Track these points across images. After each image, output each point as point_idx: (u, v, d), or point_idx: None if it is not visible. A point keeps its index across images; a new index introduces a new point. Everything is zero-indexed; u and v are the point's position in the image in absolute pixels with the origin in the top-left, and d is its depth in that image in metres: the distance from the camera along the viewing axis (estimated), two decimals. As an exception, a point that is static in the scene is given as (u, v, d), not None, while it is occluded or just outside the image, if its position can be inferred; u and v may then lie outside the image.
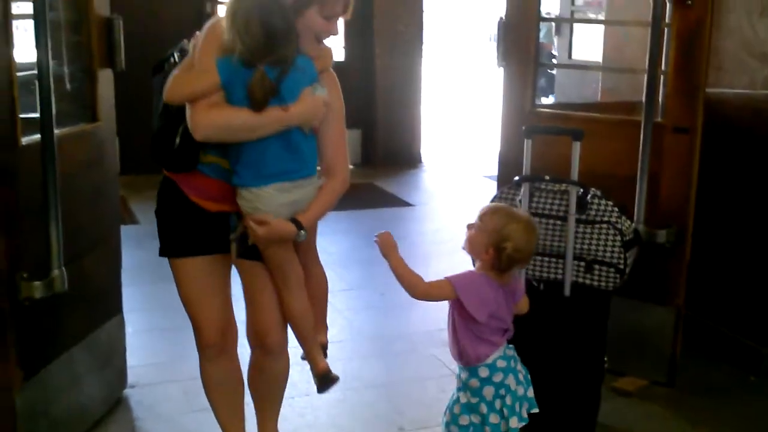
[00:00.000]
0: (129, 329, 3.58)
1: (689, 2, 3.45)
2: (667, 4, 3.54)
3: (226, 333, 2.74)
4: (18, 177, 2.69)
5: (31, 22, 2.67)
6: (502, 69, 4.08)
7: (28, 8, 2.66)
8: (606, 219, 3.11)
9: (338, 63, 8.44)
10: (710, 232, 3.87)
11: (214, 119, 2.36)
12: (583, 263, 3.10)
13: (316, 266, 2.77)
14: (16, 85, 2.65)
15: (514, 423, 2.58)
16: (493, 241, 2.50)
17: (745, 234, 3.89)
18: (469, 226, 2.59)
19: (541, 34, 10.67)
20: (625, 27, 5.19)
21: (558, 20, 9.60)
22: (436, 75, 15.69)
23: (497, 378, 2.58)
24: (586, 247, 3.10)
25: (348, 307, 4.61)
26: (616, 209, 3.14)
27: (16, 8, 2.69)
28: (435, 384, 3.69)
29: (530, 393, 2.66)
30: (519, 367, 2.65)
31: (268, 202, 2.43)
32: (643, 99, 3.52)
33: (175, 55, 2.58)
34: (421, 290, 2.54)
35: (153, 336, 4.06)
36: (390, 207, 7.11)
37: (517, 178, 3.21)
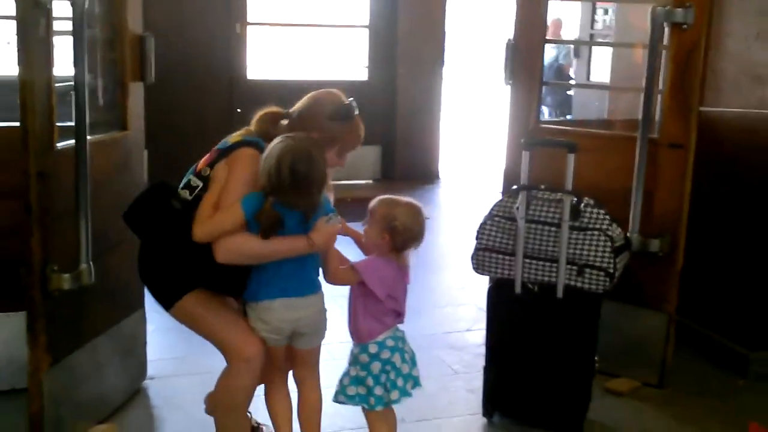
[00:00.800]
0: (150, 327, 3.81)
1: (685, 26, 3.65)
2: (665, 29, 3.75)
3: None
4: (52, 178, 2.94)
5: (65, 38, 2.94)
6: (509, 87, 4.30)
7: (66, 25, 2.94)
8: (598, 226, 3.32)
9: (361, 82, 8.77)
10: (702, 241, 4.06)
11: (232, 248, 2.63)
12: (575, 267, 3.30)
13: (314, 391, 2.98)
14: (54, 96, 2.91)
15: (395, 396, 2.89)
16: (384, 225, 2.82)
17: (734, 243, 4.08)
18: (364, 223, 2.91)
19: (561, 55, 10.94)
20: (632, 49, 5.39)
21: (564, 42, 9.82)
22: (455, 93, 15.88)
23: (384, 355, 2.87)
24: (578, 252, 3.30)
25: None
26: (608, 217, 3.34)
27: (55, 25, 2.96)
28: (436, 381, 3.89)
29: (415, 372, 2.96)
30: (406, 347, 2.96)
31: (272, 317, 2.73)
32: (640, 116, 3.73)
33: (188, 195, 2.78)
34: (331, 275, 2.82)
35: (172, 334, 4.24)
36: (406, 220, 7.30)
37: (515, 187, 3.42)
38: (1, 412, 3.47)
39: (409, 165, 8.84)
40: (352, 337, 2.94)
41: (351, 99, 2.92)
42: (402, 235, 2.84)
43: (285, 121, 2.90)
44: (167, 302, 2.81)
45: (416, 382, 2.97)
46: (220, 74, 8.29)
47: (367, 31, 8.80)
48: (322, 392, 2.98)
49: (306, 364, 2.93)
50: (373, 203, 2.91)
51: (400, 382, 2.90)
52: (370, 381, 2.87)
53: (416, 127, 8.83)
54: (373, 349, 2.88)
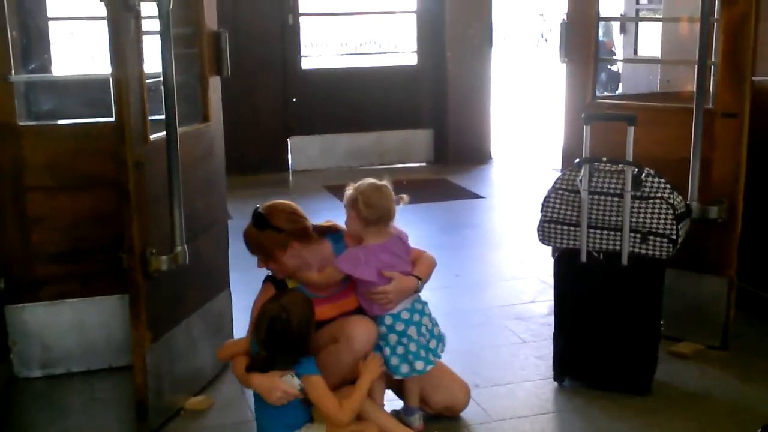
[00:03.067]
0: (235, 306, 4.03)
1: (734, -1, 3.77)
2: (715, 2, 3.86)
3: None
4: (147, 168, 3.16)
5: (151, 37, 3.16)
6: (564, 65, 4.45)
7: (151, 25, 3.15)
8: (659, 195, 3.46)
9: (411, 67, 8.94)
10: (759, 207, 4.17)
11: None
12: (638, 235, 3.45)
13: None
14: (146, 92, 3.14)
15: (420, 366, 3.10)
16: (350, 206, 3.09)
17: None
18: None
19: (600, 33, 10.99)
20: (680, 23, 5.49)
21: (616, 19, 9.87)
22: (505, 74, 15.96)
23: (399, 327, 3.09)
24: (641, 220, 3.44)
25: (425, 288, 5.00)
26: (668, 186, 3.48)
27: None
28: (507, 350, 4.08)
29: (432, 345, 3.17)
30: (425, 320, 3.16)
31: None
32: (695, 88, 3.85)
33: None
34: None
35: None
36: (462, 199, 7.49)
37: (577, 160, 3.57)
38: (101, 387, 3.73)
39: (462, 147, 8.98)
40: (368, 313, 3.16)
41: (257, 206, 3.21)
42: (367, 207, 3.07)
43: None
44: None
45: (435, 353, 3.19)
46: (275, 65, 8.52)
47: (414, 16, 8.96)
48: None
49: None
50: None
51: (422, 353, 3.13)
52: (387, 351, 3.10)
53: (467, 109, 8.97)
54: (388, 321, 3.11)
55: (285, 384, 2.86)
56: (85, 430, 3.38)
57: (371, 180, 3.17)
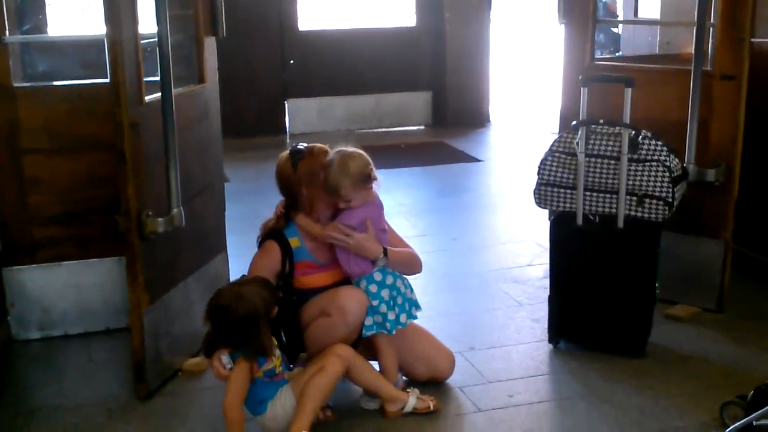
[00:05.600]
0: (232, 268, 4.04)
1: (735, -41, 3.73)
2: (714, -38, 3.83)
3: None
4: (142, 129, 3.15)
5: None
6: (563, 26, 4.42)
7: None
8: (656, 158, 3.45)
9: (409, 29, 8.87)
10: (756, 170, 4.16)
11: None
12: (635, 198, 3.44)
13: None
14: (141, 53, 3.11)
15: (404, 319, 3.16)
16: (366, 181, 3.13)
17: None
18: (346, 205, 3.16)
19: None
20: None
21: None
22: (503, 36, 15.86)
23: (389, 281, 3.14)
24: (637, 183, 3.43)
25: (421, 251, 4.90)
26: (665, 148, 3.47)
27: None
28: (503, 313, 4.10)
29: (414, 296, 3.23)
30: (399, 283, 3.18)
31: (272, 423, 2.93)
32: (693, 49, 3.83)
33: None
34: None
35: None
36: (459, 162, 7.48)
37: (574, 122, 3.56)
38: (98, 349, 3.75)
39: (460, 109, 8.96)
40: (356, 277, 3.17)
41: (294, 144, 3.22)
42: (372, 170, 3.14)
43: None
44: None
45: (416, 306, 3.25)
46: (271, 26, 8.46)
47: (413, -24, 8.89)
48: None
49: None
50: (335, 192, 3.10)
51: (407, 306, 3.19)
52: (383, 308, 3.11)
53: (465, 72, 8.93)
54: (377, 276, 3.13)
55: (217, 361, 2.86)
56: (83, 391, 3.40)
57: (343, 154, 3.14)
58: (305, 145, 3.19)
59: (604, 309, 3.61)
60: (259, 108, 8.49)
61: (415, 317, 3.26)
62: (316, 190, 3.11)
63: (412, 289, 3.25)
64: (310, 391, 2.88)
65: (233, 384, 2.82)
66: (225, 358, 2.84)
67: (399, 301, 3.15)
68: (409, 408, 3.13)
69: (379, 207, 3.22)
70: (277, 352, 2.92)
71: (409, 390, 3.16)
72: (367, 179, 3.11)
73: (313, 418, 2.88)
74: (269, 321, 2.87)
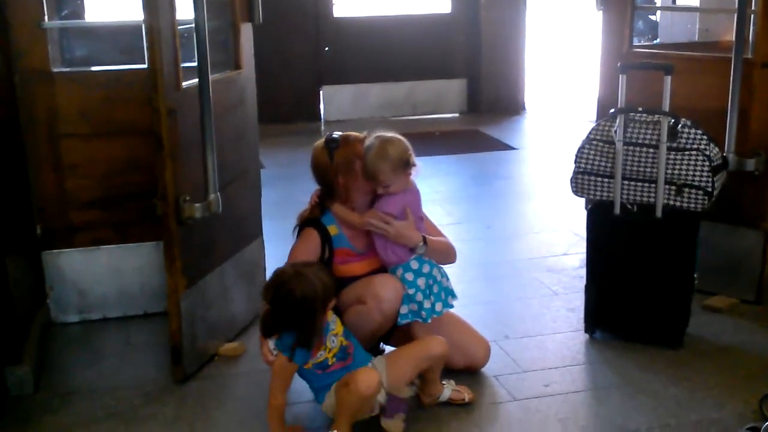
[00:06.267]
0: (268, 255, 4.05)
1: (776, -55, 3.66)
2: (756, -52, 3.76)
3: None
4: (180, 115, 3.16)
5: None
6: (600, 13, 4.37)
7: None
8: (695, 146, 3.41)
9: (444, 15, 8.83)
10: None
11: None
12: (674, 187, 3.41)
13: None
14: (178, 39, 3.13)
15: (439, 308, 3.14)
16: (405, 166, 3.10)
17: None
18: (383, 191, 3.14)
19: (645, -19, 10.75)
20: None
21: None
22: (539, 22, 15.74)
23: (426, 269, 3.11)
24: (676, 172, 3.40)
25: (456, 239, 4.90)
26: (705, 137, 3.43)
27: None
28: (537, 302, 4.08)
29: (450, 285, 3.21)
30: (435, 272, 3.16)
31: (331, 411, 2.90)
32: (734, 37, 3.77)
33: None
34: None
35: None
36: (494, 150, 7.44)
37: (612, 110, 3.52)
38: (136, 333, 3.79)
39: (495, 97, 8.91)
40: (392, 265, 3.15)
41: (329, 133, 3.18)
42: (412, 156, 3.12)
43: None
44: None
45: (453, 294, 3.23)
46: (307, 13, 8.47)
47: (448, -37, 8.84)
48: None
49: None
50: (374, 176, 3.09)
51: (443, 295, 3.17)
52: (419, 296, 3.10)
53: (501, 59, 8.87)
54: (414, 265, 3.11)
55: (265, 346, 2.88)
56: (121, 373, 3.43)
57: (383, 139, 3.13)
58: (340, 133, 3.18)
59: (641, 299, 3.57)
60: (294, 95, 8.51)
61: (451, 306, 3.24)
62: (353, 179, 3.11)
63: (448, 278, 3.24)
64: (341, 409, 2.84)
65: (274, 371, 2.84)
66: (272, 343, 2.85)
67: (435, 289, 3.14)
68: (444, 398, 3.12)
69: (418, 194, 3.21)
70: (332, 343, 2.86)
71: (444, 382, 3.15)
72: (406, 165, 3.10)
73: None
74: (325, 310, 2.80)
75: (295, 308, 2.73)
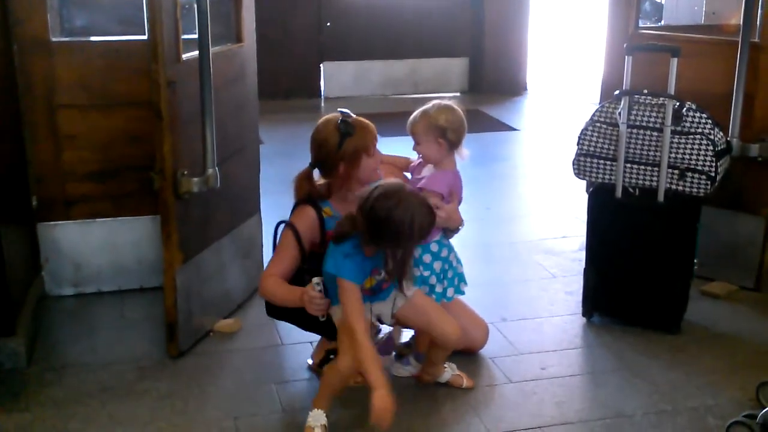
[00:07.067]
0: (265, 231, 4.02)
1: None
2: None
3: None
4: (179, 88, 3.12)
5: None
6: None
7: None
8: (700, 130, 3.37)
9: (448, -7, 8.75)
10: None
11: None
12: (677, 171, 3.38)
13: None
14: (179, 10, 3.08)
15: (451, 293, 3.13)
16: (434, 134, 3.01)
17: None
18: (414, 147, 3.08)
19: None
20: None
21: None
22: (543, 1, 15.64)
23: (444, 254, 3.09)
24: (680, 156, 3.37)
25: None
26: (710, 121, 3.39)
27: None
28: (536, 284, 4.05)
29: (463, 271, 3.20)
30: (452, 257, 3.15)
31: None
32: (741, 21, 3.72)
33: None
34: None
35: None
36: (495, 131, 7.40)
37: (617, 92, 3.48)
38: (133, 307, 3.77)
39: (497, 77, 8.86)
40: None
41: (340, 111, 2.98)
42: (453, 132, 3.03)
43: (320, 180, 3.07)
44: None
45: (465, 281, 3.21)
46: (309, -13, 8.40)
47: (453, -59, 8.75)
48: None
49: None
50: (409, 127, 3.08)
51: (456, 281, 3.16)
52: (433, 279, 3.08)
53: (503, 38, 8.82)
54: (434, 248, 3.08)
55: (310, 287, 2.74)
56: (115, 347, 3.41)
57: (437, 102, 3.10)
58: (352, 116, 2.98)
59: (640, 283, 3.55)
60: (295, 70, 8.44)
61: (463, 292, 3.21)
62: (354, 170, 2.96)
63: (461, 264, 3.21)
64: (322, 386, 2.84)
65: (354, 306, 2.65)
66: (316, 279, 2.74)
67: (449, 275, 3.12)
68: (443, 380, 3.12)
69: (461, 179, 3.16)
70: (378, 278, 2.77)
71: (446, 365, 3.13)
72: (442, 133, 3.01)
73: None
74: (414, 248, 2.73)
75: (407, 232, 2.58)
